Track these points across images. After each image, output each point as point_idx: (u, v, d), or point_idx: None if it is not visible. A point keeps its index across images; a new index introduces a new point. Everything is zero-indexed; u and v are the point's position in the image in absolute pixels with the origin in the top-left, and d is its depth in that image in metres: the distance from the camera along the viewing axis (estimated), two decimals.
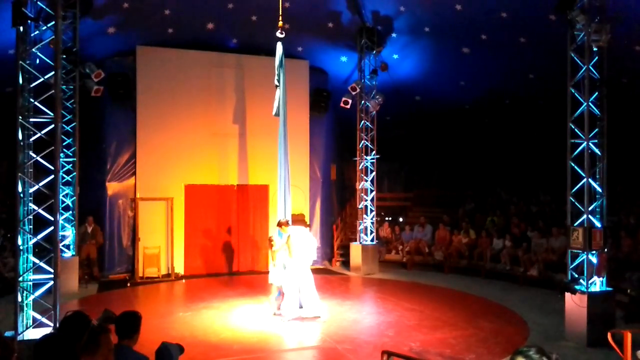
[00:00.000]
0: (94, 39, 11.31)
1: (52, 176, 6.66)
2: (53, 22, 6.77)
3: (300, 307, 8.75)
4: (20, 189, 6.64)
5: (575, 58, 7.70)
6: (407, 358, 5.58)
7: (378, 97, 13.01)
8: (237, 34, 12.79)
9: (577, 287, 7.39)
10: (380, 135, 13.47)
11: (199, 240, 12.84)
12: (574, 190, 7.71)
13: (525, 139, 16.06)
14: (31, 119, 6.83)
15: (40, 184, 6.75)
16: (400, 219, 16.29)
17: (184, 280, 12.25)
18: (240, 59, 13.24)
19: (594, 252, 7.47)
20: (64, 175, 10.57)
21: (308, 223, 13.49)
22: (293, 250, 8.60)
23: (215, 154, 12.98)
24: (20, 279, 6.51)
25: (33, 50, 6.89)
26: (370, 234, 13.41)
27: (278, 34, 9.12)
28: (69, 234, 10.71)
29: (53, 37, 6.82)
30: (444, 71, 13.64)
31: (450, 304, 9.73)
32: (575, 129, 7.70)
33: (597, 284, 7.52)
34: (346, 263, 13.93)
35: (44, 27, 7.13)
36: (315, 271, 9.71)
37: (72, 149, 10.80)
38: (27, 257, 6.70)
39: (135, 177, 12.46)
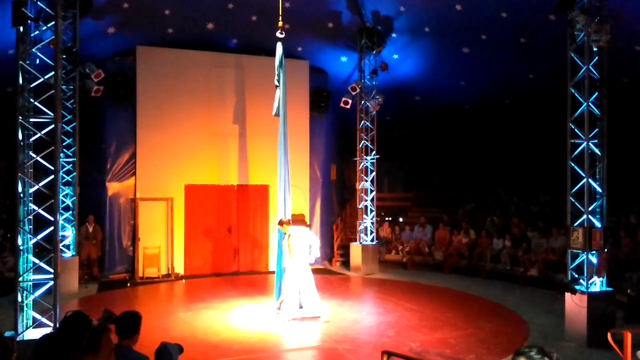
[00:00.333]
0: (94, 39, 11.31)
1: (52, 176, 6.66)
2: (53, 22, 6.77)
3: (301, 307, 8.75)
4: (20, 189, 6.63)
5: (575, 58, 7.69)
6: (407, 358, 5.57)
7: (378, 97, 13.01)
8: (237, 34, 12.79)
9: (577, 287, 7.39)
10: (380, 135, 13.47)
11: (199, 240, 12.84)
12: (574, 191, 7.71)
13: (525, 139, 16.06)
14: (31, 119, 6.82)
15: (40, 184, 6.75)
16: (400, 219, 16.29)
17: (184, 281, 12.25)
18: (240, 59, 13.24)
19: (594, 252, 7.47)
20: (64, 175, 10.56)
21: (308, 223, 13.49)
22: (293, 250, 8.60)
23: (215, 154, 12.98)
24: (20, 279, 6.51)
25: (33, 50, 6.89)
26: (370, 234, 13.41)
27: (278, 34, 9.11)
28: (69, 234, 10.70)
29: (53, 37, 6.82)
30: (444, 71, 13.64)
31: (450, 304, 9.73)
32: (575, 129, 7.70)
33: (597, 284, 7.52)
34: (346, 263, 13.93)
35: (44, 27, 7.12)
36: (315, 271, 9.70)
37: (72, 149, 10.80)
38: (27, 257, 6.70)
39: (135, 177, 12.46)
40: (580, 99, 7.62)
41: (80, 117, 10.83)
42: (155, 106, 12.51)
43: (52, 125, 6.68)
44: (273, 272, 9.83)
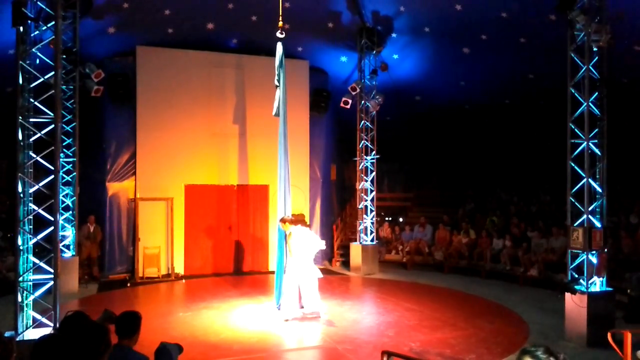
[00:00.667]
0: (94, 39, 11.31)
1: (52, 176, 6.66)
2: (53, 22, 6.77)
3: (301, 307, 8.75)
4: (20, 189, 6.63)
5: (575, 58, 7.69)
6: (407, 358, 5.57)
7: (378, 97, 13.01)
8: (237, 34, 12.79)
9: (577, 287, 7.39)
10: (380, 135, 13.47)
11: (199, 240, 12.84)
12: (574, 190, 7.71)
13: (525, 139, 16.06)
14: (31, 119, 6.82)
15: (40, 184, 6.75)
16: (400, 219, 16.29)
17: (184, 281, 12.25)
18: (240, 59, 13.24)
19: (594, 252, 7.47)
20: (64, 175, 10.56)
21: (308, 223, 13.48)
22: (293, 249, 8.60)
23: (215, 154, 12.98)
24: (20, 279, 6.51)
25: (33, 50, 6.88)
26: (370, 234, 13.41)
27: (278, 34, 9.11)
28: (69, 234, 10.71)
29: (53, 37, 6.82)
30: (444, 71, 13.64)
31: (450, 304, 9.73)
32: (575, 129, 7.70)
33: (597, 284, 7.52)
34: (346, 263, 13.93)
35: (44, 27, 7.12)
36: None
37: (72, 149, 10.80)
38: (27, 257, 6.70)
39: (135, 177, 12.46)
40: (580, 99, 7.62)
41: (80, 117, 10.83)
42: (155, 106, 12.51)
43: (52, 125, 6.68)
44: (273, 272, 9.82)
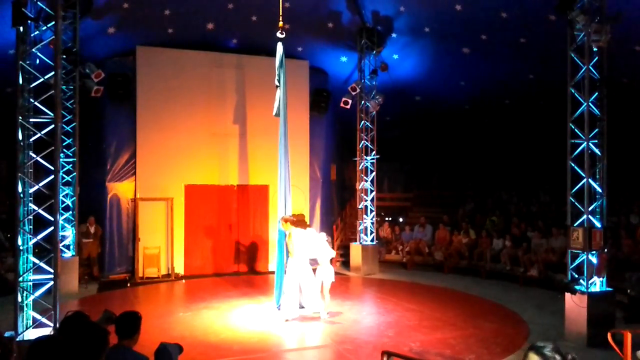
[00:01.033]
0: (94, 39, 11.31)
1: (52, 176, 6.66)
2: (53, 22, 6.77)
3: (302, 307, 8.75)
4: (20, 189, 6.63)
5: (575, 58, 7.69)
6: (407, 358, 5.58)
7: (378, 97, 13.01)
8: (237, 34, 12.79)
9: (577, 287, 7.39)
10: (380, 136, 13.47)
11: (199, 241, 12.84)
12: (574, 191, 7.71)
13: (525, 139, 16.06)
14: (31, 119, 6.82)
15: (40, 184, 6.75)
16: (400, 219, 16.30)
17: (184, 281, 12.25)
18: (240, 59, 13.23)
19: (594, 252, 7.47)
20: (64, 176, 10.56)
21: (308, 223, 13.47)
22: (293, 249, 8.59)
23: (215, 154, 12.97)
24: (20, 279, 6.51)
25: (33, 50, 6.88)
26: (370, 234, 13.41)
27: (278, 34, 9.11)
28: (69, 234, 10.70)
29: (53, 37, 6.81)
30: (444, 71, 13.63)
31: (450, 304, 9.73)
32: (575, 129, 7.70)
33: (597, 284, 7.52)
34: (346, 263, 13.93)
35: (44, 27, 7.12)
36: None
37: (72, 149, 10.80)
38: (27, 257, 6.70)
39: (135, 177, 12.46)
40: (580, 99, 7.62)
41: (80, 117, 10.83)
42: (155, 106, 12.50)
43: (52, 125, 6.68)
44: (273, 273, 9.82)
